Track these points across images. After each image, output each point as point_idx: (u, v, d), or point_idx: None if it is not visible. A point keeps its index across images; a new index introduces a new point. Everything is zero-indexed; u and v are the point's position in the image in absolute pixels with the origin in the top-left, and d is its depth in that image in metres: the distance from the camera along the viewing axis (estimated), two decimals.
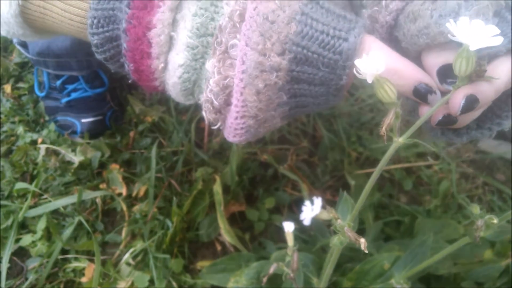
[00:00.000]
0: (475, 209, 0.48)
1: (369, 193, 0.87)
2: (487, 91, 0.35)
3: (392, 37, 0.41)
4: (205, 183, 0.86)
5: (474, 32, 0.31)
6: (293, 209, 0.88)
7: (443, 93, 0.38)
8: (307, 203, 0.56)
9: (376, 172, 0.41)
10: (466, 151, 0.99)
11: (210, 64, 0.40)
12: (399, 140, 0.37)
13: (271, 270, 0.54)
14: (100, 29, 0.40)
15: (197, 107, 1.01)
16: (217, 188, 0.82)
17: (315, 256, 0.69)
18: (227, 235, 0.79)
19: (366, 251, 0.41)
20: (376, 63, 0.33)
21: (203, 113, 0.43)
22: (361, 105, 1.05)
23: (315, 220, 0.56)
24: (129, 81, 0.45)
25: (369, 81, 0.34)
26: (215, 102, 0.41)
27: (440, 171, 0.95)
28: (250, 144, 0.95)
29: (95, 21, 0.40)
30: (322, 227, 0.78)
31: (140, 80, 0.43)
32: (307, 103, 0.42)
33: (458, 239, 0.78)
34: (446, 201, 0.89)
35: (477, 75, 0.34)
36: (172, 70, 0.41)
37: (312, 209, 0.55)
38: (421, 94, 0.37)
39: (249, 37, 0.37)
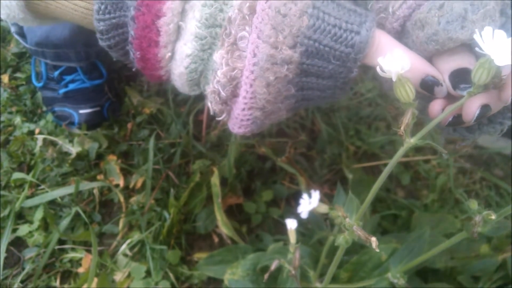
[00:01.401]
0: (473, 204, 0.48)
1: (366, 186, 0.88)
2: (499, 100, 0.36)
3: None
4: (202, 175, 0.86)
5: (499, 45, 0.32)
6: (291, 203, 0.88)
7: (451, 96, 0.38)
8: (304, 196, 0.56)
9: (384, 173, 0.41)
10: (463, 146, 0.99)
11: (218, 55, 0.40)
12: (411, 141, 0.37)
13: (273, 266, 0.54)
14: (107, 15, 0.40)
15: (196, 99, 1.01)
16: (215, 180, 0.82)
17: (312, 249, 0.69)
18: (224, 227, 0.79)
19: (377, 250, 0.42)
20: (401, 62, 0.34)
21: (209, 104, 0.44)
22: (360, 99, 1.05)
23: (312, 213, 0.56)
24: (133, 69, 0.45)
25: (394, 79, 0.35)
26: (222, 93, 0.41)
27: (437, 166, 0.95)
28: (248, 136, 0.95)
29: (102, 7, 0.40)
30: (319, 220, 0.78)
31: (145, 68, 0.43)
32: (313, 96, 0.42)
33: (455, 234, 0.78)
34: (444, 196, 0.89)
35: (495, 85, 0.35)
36: (180, 60, 0.41)
37: (309, 202, 0.55)
38: (428, 86, 0.38)
39: (261, 30, 0.37)
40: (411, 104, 0.36)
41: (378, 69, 0.35)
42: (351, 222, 0.46)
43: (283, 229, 0.85)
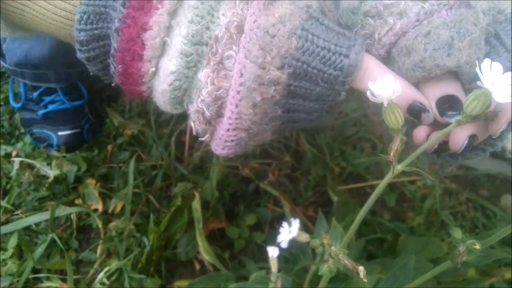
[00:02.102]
0: (457, 233, 0.47)
1: (351, 209, 0.86)
2: (486, 131, 0.37)
3: None
4: (184, 199, 0.83)
5: (498, 80, 0.32)
6: (275, 226, 0.86)
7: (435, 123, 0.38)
8: (284, 224, 0.54)
9: (371, 198, 0.39)
10: (449, 167, 0.98)
11: (204, 74, 0.39)
12: (398, 168, 0.36)
13: None
14: (89, 26, 0.38)
15: (178, 120, 0.99)
16: (196, 205, 0.80)
17: (296, 276, 0.67)
18: (206, 253, 0.77)
19: (365, 280, 0.40)
20: (392, 87, 0.33)
21: (192, 123, 0.43)
22: (345, 119, 1.04)
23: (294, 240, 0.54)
24: (112, 84, 0.43)
25: (385, 104, 0.34)
26: (206, 113, 0.40)
27: (423, 187, 0.94)
28: (231, 158, 0.93)
29: (85, 16, 0.38)
30: (303, 246, 0.77)
31: (126, 83, 0.41)
32: (299, 119, 0.42)
33: (441, 258, 0.77)
34: (430, 218, 0.88)
35: (486, 117, 0.34)
36: (163, 77, 0.40)
37: (289, 231, 0.53)
38: (415, 112, 0.38)
39: (249, 50, 0.37)
40: (400, 130, 0.35)
41: (368, 93, 0.34)
42: (337, 251, 0.44)
43: (266, 254, 0.83)
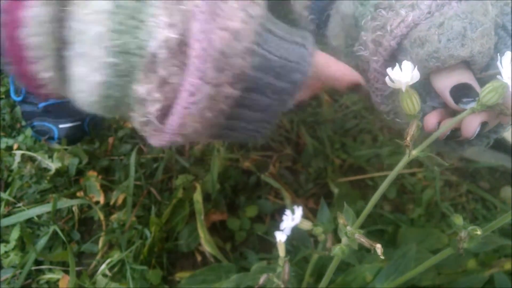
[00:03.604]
0: (458, 219, 0.47)
1: (351, 201, 0.86)
2: (495, 119, 0.38)
3: (393, 59, 0.42)
4: (185, 191, 0.84)
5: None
6: (276, 218, 0.87)
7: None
8: (287, 212, 0.54)
9: (386, 182, 0.41)
10: (450, 159, 0.99)
11: (144, 90, 0.35)
12: (413, 153, 0.37)
13: (261, 281, 0.53)
14: None
15: None
16: (197, 196, 0.80)
17: (297, 267, 0.68)
18: (207, 245, 0.77)
19: (383, 257, 0.41)
20: (410, 73, 0.35)
21: (132, 122, 0.40)
22: (345, 111, 1.04)
23: (297, 229, 0.55)
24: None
25: (403, 90, 0.35)
26: (154, 122, 0.37)
27: (423, 179, 0.94)
28: (232, 150, 0.93)
29: None
30: (304, 237, 0.77)
31: (29, 86, 0.38)
32: (237, 127, 0.41)
33: (441, 249, 0.77)
34: (430, 210, 0.89)
35: (500, 110, 0.35)
36: (88, 89, 0.35)
37: (292, 219, 0.54)
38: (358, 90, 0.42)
39: (203, 72, 0.34)
40: (416, 116, 0.37)
41: (387, 79, 0.36)
42: (353, 230, 0.45)
43: (268, 245, 0.83)
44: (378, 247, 0.41)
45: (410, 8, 0.40)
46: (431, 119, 0.40)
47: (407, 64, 0.35)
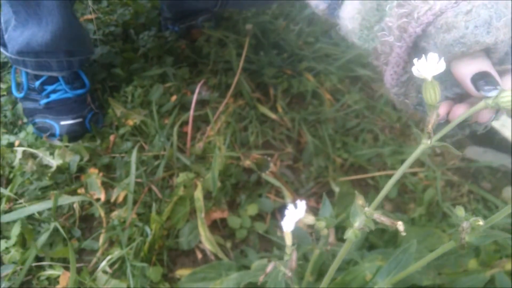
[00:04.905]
0: (460, 211, 0.47)
1: (352, 200, 0.86)
2: None
3: (415, 46, 0.44)
4: (186, 189, 0.84)
5: None
6: (276, 217, 0.87)
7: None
8: (290, 206, 0.54)
9: (405, 165, 0.43)
10: (451, 159, 0.99)
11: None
12: (428, 143, 0.39)
13: (269, 268, 0.52)
14: None
15: (180, 111, 0.99)
16: (198, 194, 0.80)
17: (297, 266, 0.68)
18: (207, 243, 0.77)
19: (404, 233, 0.43)
20: (437, 64, 0.37)
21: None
22: (347, 111, 1.04)
23: (296, 227, 0.54)
24: None
25: (429, 79, 0.38)
26: None
27: (425, 179, 0.94)
28: (233, 148, 0.93)
29: None
30: (304, 234, 0.77)
31: None
32: None
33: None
34: (431, 210, 0.88)
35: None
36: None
37: (295, 213, 0.53)
38: None
39: None
40: (436, 107, 0.39)
41: (413, 69, 0.37)
42: (371, 210, 0.45)
43: (268, 244, 0.83)
44: (400, 224, 0.42)
45: None
46: (442, 108, 0.43)
47: (433, 55, 0.37)
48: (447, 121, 0.44)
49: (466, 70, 0.41)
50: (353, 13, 0.49)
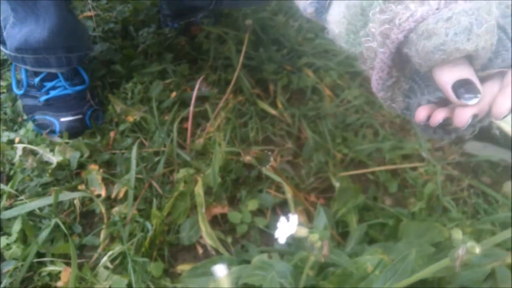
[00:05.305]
0: (457, 234, 0.48)
1: (353, 195, 0.86)
2: (486, 110, 0.41)
3: (399, 52, 0.44)
4: (186, 184, 0.84)
5: None
6: (277, 212, 0.87)
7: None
8: (282, 219, 0.54)
9: None
10: (451, 153, 0.99)
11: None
12: None
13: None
14: None
15: (180, 107, 0.99)
16: (199, 190, 0.80)
17: (294, 267, 0.67)
18: (208, 238, 0.77)
19: None
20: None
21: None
22: (347, 106, 1.04)
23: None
24: None
25: None
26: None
27: (425, 173, 0.94)
28: (233, 144, 0.94)
29: None
30: (301, 239, 0.77)
31: None
32: None
33: (442, 243, 0.77)
34: (431, 204, 0.88)
35: None
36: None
37: (288, 227, 0.53)
38: None
39: None
40: None
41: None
42: None
43: (268, 239, 0.83)
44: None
45: (420, 3, 0.41)
46: (422, 112, 0.43)
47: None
48: (427, 125, 0.44)
49: (447, 77, 0.40)
50: (339, 17, 0.49)
